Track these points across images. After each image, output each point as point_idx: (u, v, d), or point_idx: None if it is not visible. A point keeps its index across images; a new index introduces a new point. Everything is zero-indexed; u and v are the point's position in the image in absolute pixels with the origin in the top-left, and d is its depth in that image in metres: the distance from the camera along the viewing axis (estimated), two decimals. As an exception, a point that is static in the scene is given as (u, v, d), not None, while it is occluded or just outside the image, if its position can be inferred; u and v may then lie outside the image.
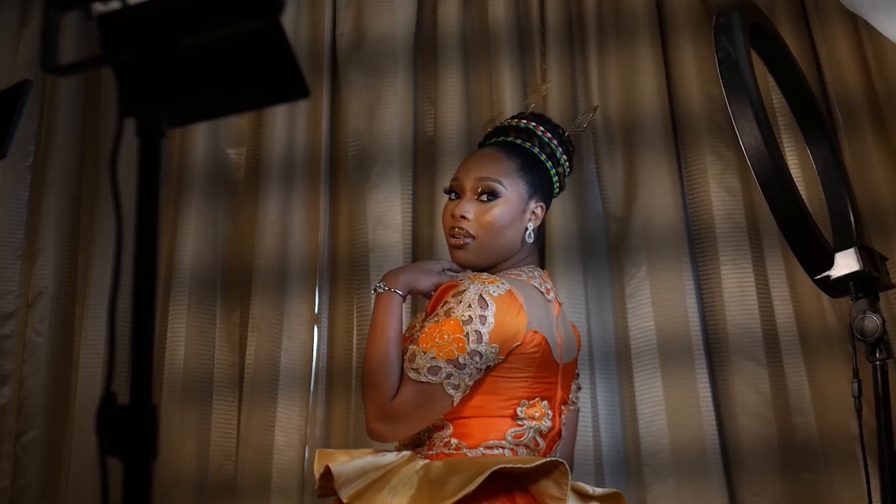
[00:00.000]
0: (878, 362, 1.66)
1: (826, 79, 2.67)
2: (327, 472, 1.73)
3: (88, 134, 3.09)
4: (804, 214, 1.65)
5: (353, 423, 2.73)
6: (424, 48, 3.01)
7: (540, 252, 2.74)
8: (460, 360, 1.70)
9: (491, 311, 1.72)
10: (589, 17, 2.88)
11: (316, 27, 3.02)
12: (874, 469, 1.69)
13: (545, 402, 1.82)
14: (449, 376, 1.70)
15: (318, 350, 2.83)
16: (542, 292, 1.87)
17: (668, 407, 2.59)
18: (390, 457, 1.77)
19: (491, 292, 1.74)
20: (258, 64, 0.99)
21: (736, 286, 2.63)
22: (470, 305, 1.72)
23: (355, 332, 2.80)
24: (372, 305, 1.89)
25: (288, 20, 2.94)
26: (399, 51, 2.94)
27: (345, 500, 1.69)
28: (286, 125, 2.97)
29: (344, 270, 2.87)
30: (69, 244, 3.01)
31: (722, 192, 2.70)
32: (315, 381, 2.81)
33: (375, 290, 1.85)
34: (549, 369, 1.82)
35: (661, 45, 2.84)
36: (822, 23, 2.70)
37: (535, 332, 1.77)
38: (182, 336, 2.84)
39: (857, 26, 2.66)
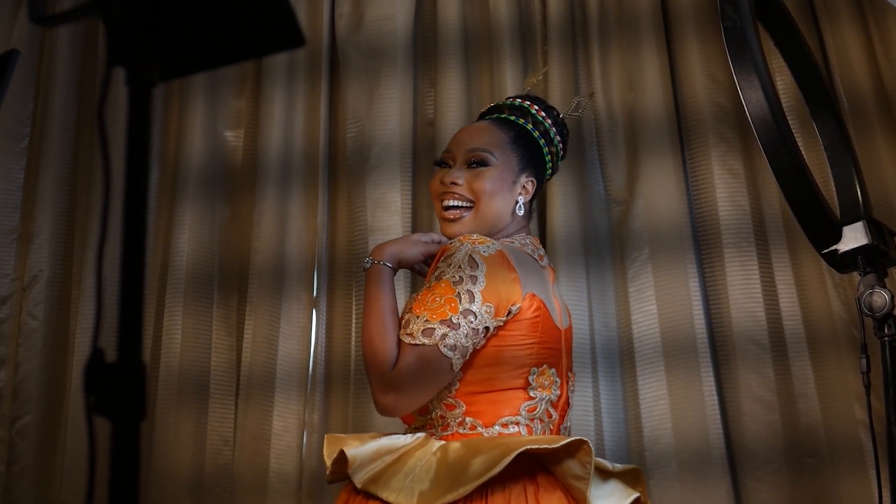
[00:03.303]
0: (886, 338, 1.63)
1: (834, 71, 2.65)
2: (338, 457, 1.69)
3: (84, 116, 3.06)
4: (812, 186, 1.62)
5: (351, 407, 2.70)
6: (424, 30, 2.98)
7: (542, 235, 2.72)
8: (453, 319, 1.67)
9: (481, 271, 1.70)
10: (591, -3, 2.85)
11: (315, 8, 2.99)
12: (881, 447, 1.65)
13: (553, 369, 1.80)
14: (444, 337, 1.67)
15: (316, 333, 2.80)
16: (535, 259, 1.86)
17: (670, 391, 2.56)
18: (404, 439, 1.73)
19: (481, 252, 1.73)
20: (252, 11, 0.96)
21: (739, 269, 2.60)
22: (460, 267, 1.71)
23: (354, 314, 2.76)
24: None
25: (286, 1, 2.90)
26: (399, 32, 2.91)
27: (359, 486, 1.65)
28: (284, 108, 2.94)
29: (343, 253, 2.85)
30: (65, 227, 2.99)
31: (725, 174, 2.67)
32: (313, 365, 2.78)
33: (364, 267, 1.84)
34: (552, 335, 1.80)
35: (663, 26, 2.81)
36: (830, 15, 2.67)
37: (533, 295, 1.76)
38: (179, 320, 2.80)
39: (866, 18, 2.63)
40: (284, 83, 2.95)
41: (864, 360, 1.64)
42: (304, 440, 2.73)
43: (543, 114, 1.97)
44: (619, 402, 2.63)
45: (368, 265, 1.83)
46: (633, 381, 2.60)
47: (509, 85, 2.77)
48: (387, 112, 2.86)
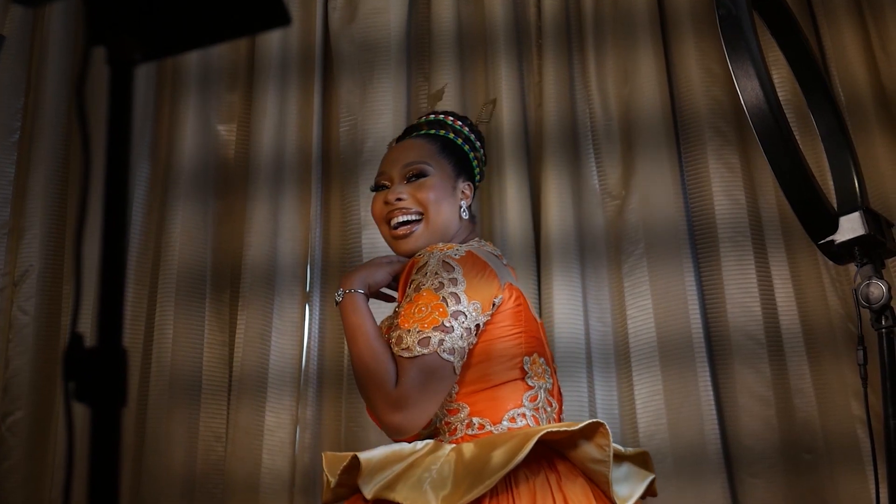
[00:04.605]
0: (883, 329, 1.60)
1: (831, 66, 2.63)
2: (347, 467, 1.64)
3: (76, 110, 3.04)
4: (808, 175, 1.60)
5: (344, 402, 2.68)
6: (419, 23, 2.96)
7: (536, 231, 2.70)
8: (445, 323, 1.67)
9: (459, 272, 1.71)
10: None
11: (308, 1, 2.97)
12: (878, 441, 1.63)
13: (542, 358, 1.80)
14: (441, 343, 1.66)
15: (309, 329, 2.78)
16: (496, 256, 1.87)
17: (665, 387, 2.55)
18: (412, 446, 1.68)
19: (452, 255, 1.74)
20: (236, -11, 0.94)
21: (735, 264, 2.59)
22: (437, 273, 1.71)
23: (347, 310, 2.74)
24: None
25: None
26: (393, 25, 2.89)
27: (369, 496, 1.59)
28: (277, 101, 2.92)
29: (336, 248, 2.83)
30: (56, 222, 2.96)
31: (721, 168, 2.65)
32: (306, 361, 2.76)
33: (336, 301, 1.82)
34: (533, 324, 1.82)
35: (659, 19, 2.79)
36: (827, 9, 2.65)
37: (511, 285, 1.78)
38: (171, 316, 2.78)
39: (863, 13, 2.62)
40: (277, 77, 2.93)
41: (860, 352, 1.61)
42: (297, 436, 2.70)
43: (460, 123, 2.03)
44: (614, 397, 2.61)
45: (340, 297, 1.81)
46: (628, 377, 2.58)
47: (503, 78, 2.76)
48: (380, 106, 2.84)
